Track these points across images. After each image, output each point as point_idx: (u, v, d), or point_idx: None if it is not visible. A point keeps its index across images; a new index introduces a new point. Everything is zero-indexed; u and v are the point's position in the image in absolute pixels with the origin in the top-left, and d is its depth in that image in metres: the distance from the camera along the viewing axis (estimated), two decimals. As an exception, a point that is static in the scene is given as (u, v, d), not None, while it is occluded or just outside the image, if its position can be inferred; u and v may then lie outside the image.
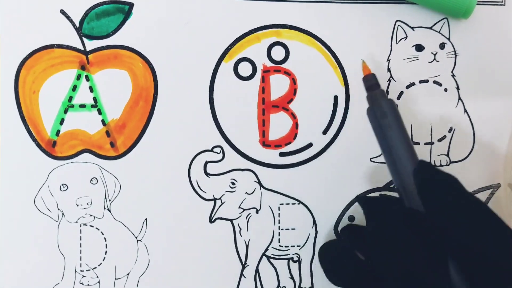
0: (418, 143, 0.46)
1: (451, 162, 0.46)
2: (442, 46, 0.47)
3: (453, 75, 0.47)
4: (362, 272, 0.39)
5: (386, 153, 0.40)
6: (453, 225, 0.35)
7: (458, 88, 0.47)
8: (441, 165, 0.46)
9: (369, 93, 0.43)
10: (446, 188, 0.37)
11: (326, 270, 0.41)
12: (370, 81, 0.43)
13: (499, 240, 0.35)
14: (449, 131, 0.47)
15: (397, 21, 0.47)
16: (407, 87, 0.47)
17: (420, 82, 0.47)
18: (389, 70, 0.47)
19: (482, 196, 0.46)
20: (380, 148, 0.41)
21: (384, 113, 0.40)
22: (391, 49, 0.47)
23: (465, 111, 0.47)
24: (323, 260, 0.42)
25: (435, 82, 0.47)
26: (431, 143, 0.47)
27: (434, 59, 0.47)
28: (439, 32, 0.47)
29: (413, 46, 0.47)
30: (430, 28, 0.47)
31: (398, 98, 0.46)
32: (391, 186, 0.46)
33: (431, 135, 0.47)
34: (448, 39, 0.47)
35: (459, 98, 0.47)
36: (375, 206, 0.40)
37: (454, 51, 0.47)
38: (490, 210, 0.36)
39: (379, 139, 0.41)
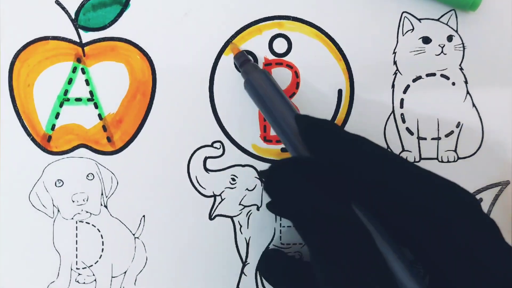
0: (425, 138, 0.45)
1: (458, 158, 0.45)
2: (449, 38, 0.45)
3: (461, 69, 0.45)
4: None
5: (269, 117, 0.41)
6: (346, 162, 0.35)
7: (466, 82, 0.45)
8: (448, 161, 0.45)
9: (242, 68, 0.43)
10: (327, 128, 0.37)
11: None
12: (241, 58, 0.44)
13: (392, 169, 0.34)
14: (457, 126, 0.45)
15: (403, 12, 0.45)
16: (414, 80, 0.45)
17: (427, 75, 0.45)
18: (395, 63, 0.45)
19: (491, 194, 0.45)
20: (264, 115, 0.41)
21: (258, 84, 0.41)
22: (397, 42, 0.45)
23: (474, 105, 0.45)
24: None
25: (442, 75, 0.45)
26: (438, 138, 0.45)
27: (442, 51, 0.45)
28: (446, 24, 0.45)
29: (420, 38, 0.45)
30: (438, 20, 0.45)
31: (404, 92, 0.45)
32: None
33: (438, 130, 0.45)
34: (456, 31, 0.45)
35: (467, 92, 0.45)
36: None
37: (462, 43, 0.45)
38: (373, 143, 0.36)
39: (261, 108, 0.41)
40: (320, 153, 0.37)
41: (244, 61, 0.43)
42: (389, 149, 0.45)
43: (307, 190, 0.35)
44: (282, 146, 0.45)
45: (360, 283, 0.32)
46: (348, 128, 0.45)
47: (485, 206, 0.45)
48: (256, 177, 0.45)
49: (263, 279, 0.45)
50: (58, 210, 0.45)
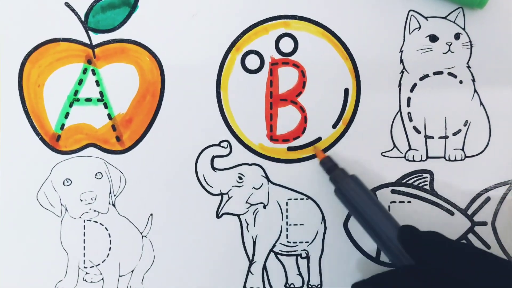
0: (432, 137, 0.45)
1: (466, 157, 0.45)
2: (457, 36, 0.45)
3: (468, 67, 0.45)
4: None
5: (366, 226, 0.41)
6: (449, 270, 0.37)
7: (473, 80, 0.45)
8: (455, 160, 0.45)
9: (331, 175, 0.43)
10: (432, 238, 0.39)
11: None
12: (328, 164, 0.44)
13: (499, 275, 0.36)
14: (465, 125, 0.45)
15: (410, 10, 0.45)
16: (421, 79, 0.45)
17: (434, 73, 0.45)
18: (402, 61, 0.45)
19: (498, 193, 0.45)
20: (360, 223, 0.42)
21: (352, 191, 0.42)
22: (404, 40, 0.45)
23: (481, 103, 0.45)
24: None
25: (450, 73, 0.45)
26: (446, 137, 0.45)
27: (449, 50, 0.45)
28: (454, 22, 0.45)
29: (427, 36, 0.45)
30: (445, 18, 0.45)
31: (411, 90, 0.45)
32: (403, 181, 0.45)
33: (446, 128, 0.45)
34: (464, 29, 0.45)
35: (475, 91, 0.45)
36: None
37: (470, 41, 0.45)
38: (483, 250, 0.38)
39: (355, 216, 0.42)
40: (426, 262, 0.38)
41: (331, 166, 0.44)
42: (395, 148, 0.45)
43: None
44: (289, 145, 0.45)
45: None
46: (355, 127, 0.45)
47: (492, 205, 0.45)
48: (262, 176, 0.45)
49: (269, 277, 0.45)
50: (66, 209, 0.45)
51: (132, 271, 0.45)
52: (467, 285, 0.35)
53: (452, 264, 0.36)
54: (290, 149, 0.45)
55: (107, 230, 0.46)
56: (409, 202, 0.45)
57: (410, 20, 0.45)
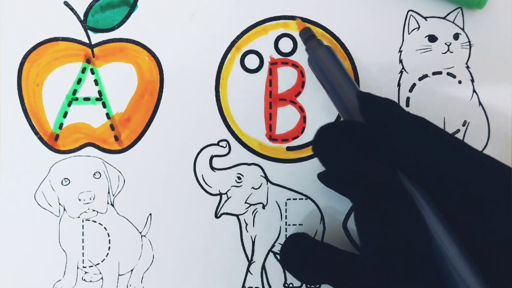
0: (431, 137, 0.45)
1: (465, 157, 0.45)
2: (456, 36, 0.45)
3: (467, 67, 0.45)
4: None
5: (331, 92, 0.41)
6: (401, 138, 0.35)
7: (472, 80, 0.45)
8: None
9: (307, 44, 0.43)
10: (388, 105, 0.37)
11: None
12: (306, 34, 0.44)
13: (446, 152, 0.34)
14: (463, 125, 0.45)
15: (409, 10, 0.45)
16: (420, 79, 0.45)
17: (433, 74, 0.45)
18: (401, 61, 0.45)
19: (498, 192, 0.45)
20: (326, 91, 0.41)
21: (322, 59, 0.42)
22: (403, 40, 0.45)
23: (480, 104, 0.45)
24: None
25: (449, 74, 0.45)
26: (445, 137, 0.45)
27: (448, 50, 0.45)
28: (453, 22, 0.45)
29: (426, 36, 0.45)
30: (444, 18, 0.45)
31: (410, 90, 0.45)
32: (403, 181, 0.45)
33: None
34: (463, 29, 0.45)
35: (474, 91, 0.45)
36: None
37: (469, 41, 0.45)
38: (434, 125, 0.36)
39: (324, 83, 0.42)
40: (376, 127, 0.36)
41: (309, 36, 0.43)
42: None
43: (357, 153, 0.35)
44: (288, 144, 0.45)
45: (406, 256, 0.32)
46: (354, 127, 0.45)
47: (492, 205, 0.45)
48: (261, 176, 0.45)
49: (268, 277, 0.45)
50: (64, 209, 0.45)
51: (132, 271, 0.45)
52: (422, 161, 0.34)
53: (408, 135, 0.35)
54: (289, 148, 0.45)
55: (106, 229, 0.45)
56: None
57: (409, 20, 0.45)
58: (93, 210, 0.45)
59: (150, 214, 0.45)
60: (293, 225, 0.45)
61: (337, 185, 0.38)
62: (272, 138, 0.45)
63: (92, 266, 0.45)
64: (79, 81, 0.46)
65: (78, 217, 0.45)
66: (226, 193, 0.45)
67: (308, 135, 0.45)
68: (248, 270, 0.45)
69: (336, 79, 0.40)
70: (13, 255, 0.45)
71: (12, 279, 0.45)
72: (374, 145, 0.36)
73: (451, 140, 0.35)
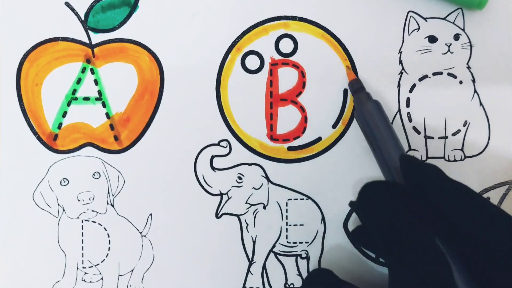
0: (432, 137, 0.45)
1: (465, 157, 0.45)
2: (456, 37, 0.45)
3: (468, 67, 0.45)
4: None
5: (375, 148, 0.42)
6: (440, 204, 0.35)
7: (473, 81, 0.45)
8: (455, 160, 0.45)
9: (355, 96, 0.43)
10: (429, 172, 0.37)
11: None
12: (355, 85, 0.44)
13: (498, 226, 0.34)
14: (464, 125, 0.45)
15: (409, 11, 0.45)
16: (420, 79, 0.45)
17: (434, 74, 0.45)
18: (401, 62, 0.45)
19: (498, 193, 0.45)
20: (370, 146, 0.42)
21: (370, 114, 0.42)
22: (403, 41, 0.45)
23: (481, 104, 0.45)
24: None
25: (449, 74, 0.45)
26: (445, 137, 0.45)
27: (448, 50, 0.45)
28: (453, 23, 0.45)
29: (426, 37, 0.45)
30: (444, 18, 0.45)
31: (411, 91, 0.45)
32: (404, 181, 0.45)
33: (445, 129, 0.45)
34: (463, 30, 0.45)
35: (475, 91, 0.45)
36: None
37: (469, 42, 0.45)
38: (483, 198, 0.36)
39: (368, 139, 0.42)
40: (417, 191, 0.37)
41: (358, 88, 0.44)
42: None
43: (399, 212, 0.35)
44: (289, 144, 0.45)
45: None
46: (354, 127, 0.45)
47: (493, 205, 0.45)
48: (262, 176, 0.45)
49: (269, 277, 0.45)
50: (63, 210, 0.45)
51: (132, 271, 0.45)
52: (459, 227, 0.34)
53: (448, 201, 0.35)
54: (290, 149, 0.45)
55: (106, 230, 0.45)
56: (409, 202, 0.45)
57: (409, 21, 0.45)
58: (93, 211, 0.45)
59: (151, 214, 0.45)
60: (294, 225, 0.45)
61: (370, 242, 0.39)
62: (273, 138, 0.45)
63: (92, 266, 0.45)
64: (78, 81, 0.46)
65: (78, 217, 0.45)
66: (226, 193, 0.45)
67: (309, 135, 0.45)
68: (248, 271, 0.45)
69: (382, 137, 0.41)
70: (12, 256, 0.45)
71: (11, 280, 0.45)
72: (414, 208, 0.36)
73: (489, 207, 0.35)
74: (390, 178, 0.40)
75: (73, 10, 0.46)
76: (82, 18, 0.46)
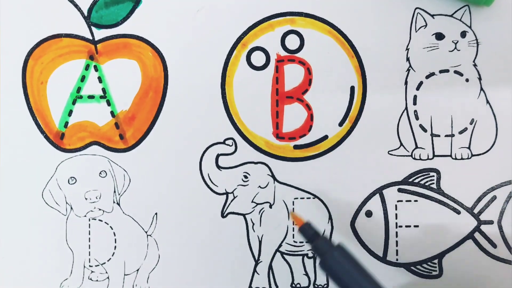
0: (438, 136, 0.45)
1: (472, 155, 0.45)
2: (463, 34, 0.45)
3: (475, 65, 0.45)
4: None
5: None
6: None
7: (480, 78, 0.45)
8: (462, 158, 0.45)
9: (313, 245, 0.38)
10: None
11: None
12: (308, 231, 0.39)
13: None
14: (471, 123, 0.45)
15: (416, 8, 0.45)
16: (427, 77, 0.45)
17: (441, 72, 0.45)
18: (408, 59, 0.45)
19: (505, 191, 0.45)
20: None
21: (337, 263, 0.37)
22: (410, 38, 0.45)
23: (487, 102, 0.45)
24: None
25: (456, 72, 0.45)
26: (452, 135, 0.45)
27: (455, 48, 0.45)
28: (460, 20, 0.45)
29: (433, 34, 0.45)
30: (451, 16, 0.45)
31: (417, 88, 0.45)
32: (410, 180, 0.45)
33: (452, 127, 0.45)
34: (470, 27, 0.45)
35: (481, 89, 0.45)
36: None
37: (476, 39, 0.45)
38: None
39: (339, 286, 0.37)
40: None
41: (313, 235, 0.38)
42: (402, 146, 0.45)
43: None
44: (295, 143, 0.45)
45: None
46: (361, 125, 0.45)
47: (498, 204, 0.45)
48: (268, 175, 0.45)
49: (275, 277, 0.45)
50: (71, 208, 0.45)
51: (138, 270, 0.45)
52: None
53: None
54: (296, 147, 0.45)
55: (112, 229, 0.45)
56: (415, 201, 0.45)
57: (416, 18, 0.45)
58: (99, 209, 0.45)
59: (156, 214, 0.45)
60: (300, 224, 0.45)
61: None
62: (279, 136, 0.45)
63: (98, 265, 0.45)
64: (83, 79, 0.45)
65: (85, 216, 0.45)
66: (232, 192, 0.45)
67: (315, 133, 0.45)
68: (255, 270, 0.45)
69: (358, 285, 0.36)
70: (21, 254, 0.45)
71: (19, 277, 0.45)
72: None
73: None
74: None
75: (76, 6, 0.45)
76: (85, 14, 0.45)
